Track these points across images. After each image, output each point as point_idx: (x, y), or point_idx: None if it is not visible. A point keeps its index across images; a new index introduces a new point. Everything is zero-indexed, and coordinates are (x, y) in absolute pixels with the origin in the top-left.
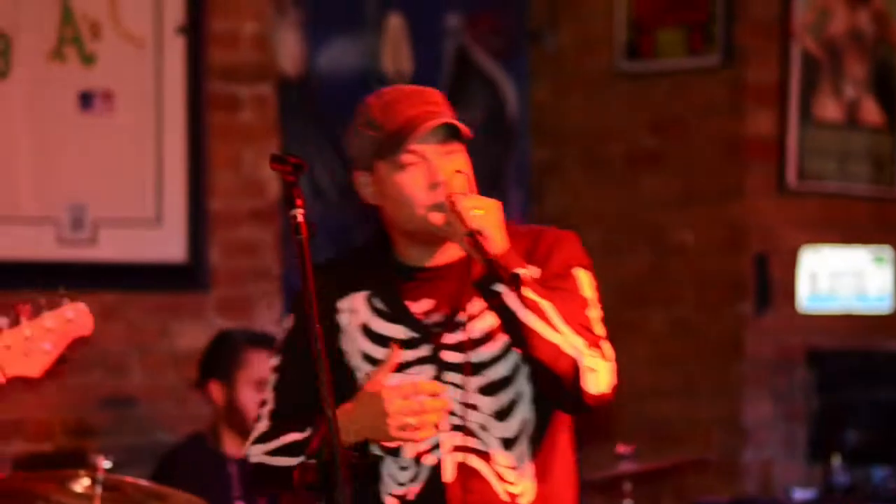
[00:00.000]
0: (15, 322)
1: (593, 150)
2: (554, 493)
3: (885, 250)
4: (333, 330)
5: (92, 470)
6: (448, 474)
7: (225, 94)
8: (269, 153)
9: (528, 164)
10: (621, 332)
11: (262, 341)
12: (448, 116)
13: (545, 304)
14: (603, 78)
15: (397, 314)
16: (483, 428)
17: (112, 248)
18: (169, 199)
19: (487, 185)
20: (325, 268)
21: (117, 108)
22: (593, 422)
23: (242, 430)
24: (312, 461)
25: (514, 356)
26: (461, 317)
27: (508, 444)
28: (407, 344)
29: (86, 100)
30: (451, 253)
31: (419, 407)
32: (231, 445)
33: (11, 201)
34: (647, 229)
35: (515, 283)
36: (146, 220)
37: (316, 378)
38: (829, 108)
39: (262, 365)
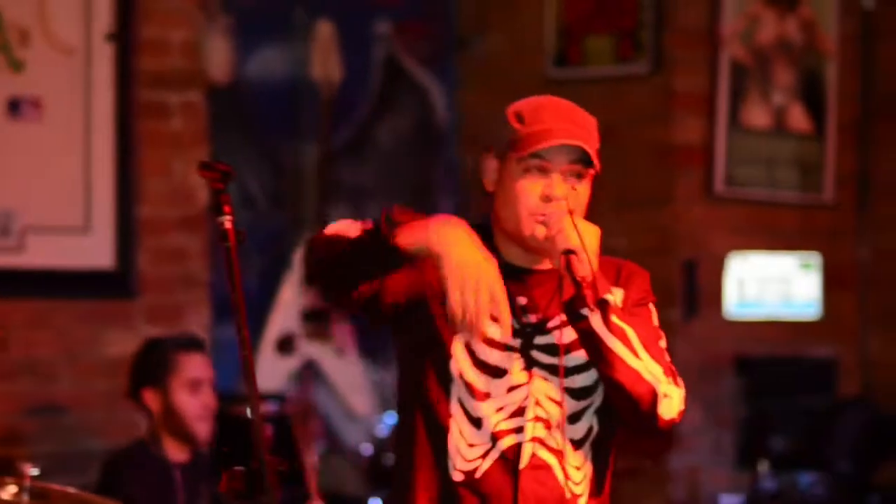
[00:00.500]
0: None
1: None
2: (602, 499)
3: (813, 257)
4: (437, 295)
5: (19, 477)
6: (525, 461)
7: (154, 102)
8: (198, 160)
9: (456, 171)
10: None
11: (191, 344)
12: (585, 142)
13: (629, 331)
14: (532, 85)
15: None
16: (559, 427)
17: (40, 255)
18: (98, 207)
19: (416, 191)
20: None
21: (46, 115)
22: None
23: (183, 434)
24: (240, 468)
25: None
26: (551, 324)
27: (576, 445)
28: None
29: (14, 107)
30: (545, 262)
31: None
32: (173, 451)
33: None
34: None
35: (603, 307)
36: (75, 228)
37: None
38: (757, 116)
39: (194, 366)
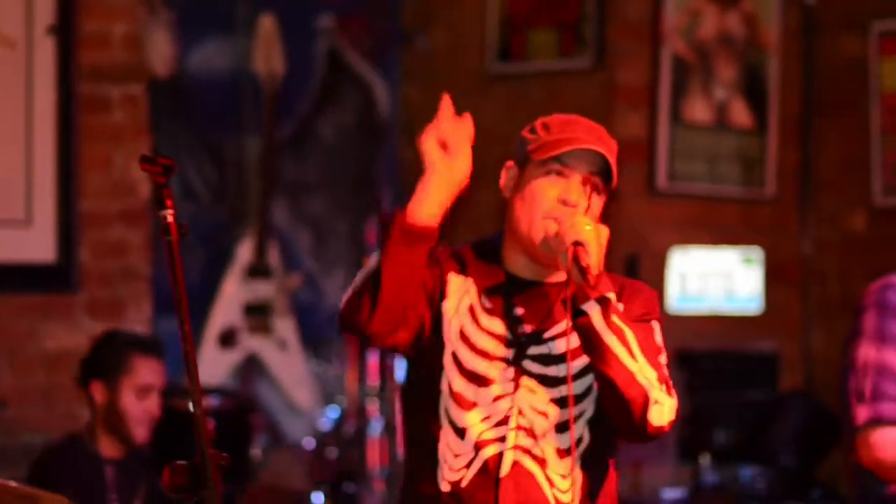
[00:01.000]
0: None
1: None
2: None
3: (754, 251)
4: (443, 290)
5: None
6: (505, 469)
7: (95, 95)
8: (140, 154)
9: (398, 164)
10: None
11: (150, 347)
12: (607, 153)
13: (628, 332)
14: (475, 79)
15: (497, 311)
16: (543, 436)
17: None
18: (39, 200)
19: (359, 184)
20: (449, 249)
21: None
22: None
23: (120, 434)
24: (183, 462)
25: (589, 378)
26: (547, 334)
27: (562, 454)
28: (499, 339)
29: None
30: (550, 275)
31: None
32: (107, 447)
33: None
34: None
35: (605, 304)
36: (16, 221)
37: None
38: (698, 110)
39: (147, 372)
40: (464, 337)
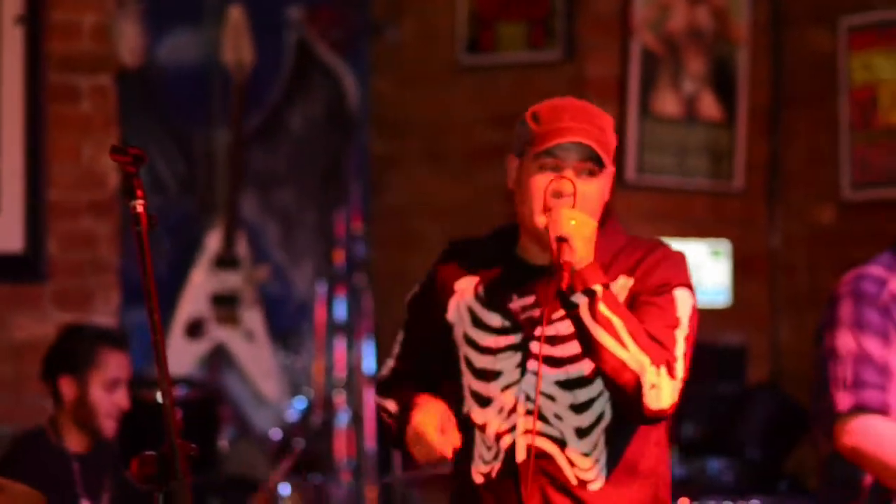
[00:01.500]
0: None
1: (434, 143)
2: (628, 481)
3: (723, 244)
4: (445, 306)
5: None
6: (520, 455)
7: (64, 85)
8: (109, 144)
9: (367, 157)
10: None
11: (116, 340)
12: (596, 140)
13: (616, 321)
14: (444, 71)
15: (495, 303)
16: (558, 417)
17: None
18: (7, 190)
19: (327, 176)
20: (455, 248)
21: None
22: None
23: (89, 427)
24: (151, 453)
25: None
26: (556, 315)
27: (581, 433)
28: (499, 331)
29: None
30: None
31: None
32: (73, 441)
33: None
34: (488, 222)
35: (590, 296)
36: None
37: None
38: (668, 103)
39: (116, 365)
40: (468, 339)
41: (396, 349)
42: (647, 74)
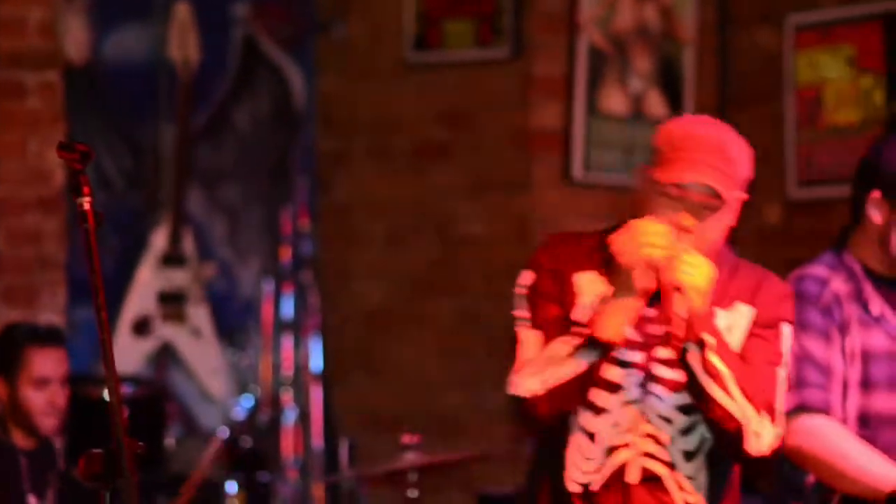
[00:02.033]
0: None
1: (381, 140)
2: None
3: None
4: (569, 299)
5: None
6: (633, 476)
7: (10, 81)
8: (55, 141)
9: (314, 154)
10: (409, 323)
11: (46, 338)
12: (719, 181)
13: (725, 372)
14: (392, 68)
15: None
16: (671, 440)
17: None
18: None
19: (273, 173)
20: (567, 239)
21: None
22: None
23: (28, 427)
24: (98, 450)
25: None
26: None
27: (689, 456)
28: (633, 344)
29: None
30: None
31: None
32: (20, 438)
33: None
34: (435, 220)
35: (700, 347)
36: None
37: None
38: (614, 101)
39: (44, 363)
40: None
41: (524, 349)
42: (594, 72)
